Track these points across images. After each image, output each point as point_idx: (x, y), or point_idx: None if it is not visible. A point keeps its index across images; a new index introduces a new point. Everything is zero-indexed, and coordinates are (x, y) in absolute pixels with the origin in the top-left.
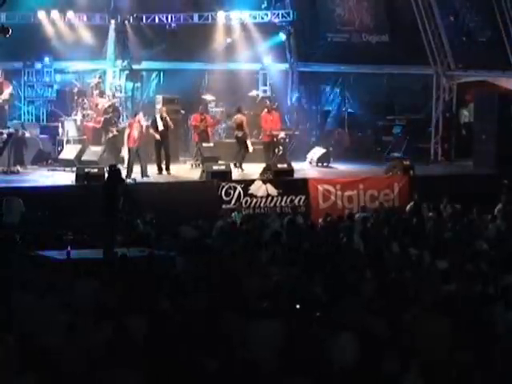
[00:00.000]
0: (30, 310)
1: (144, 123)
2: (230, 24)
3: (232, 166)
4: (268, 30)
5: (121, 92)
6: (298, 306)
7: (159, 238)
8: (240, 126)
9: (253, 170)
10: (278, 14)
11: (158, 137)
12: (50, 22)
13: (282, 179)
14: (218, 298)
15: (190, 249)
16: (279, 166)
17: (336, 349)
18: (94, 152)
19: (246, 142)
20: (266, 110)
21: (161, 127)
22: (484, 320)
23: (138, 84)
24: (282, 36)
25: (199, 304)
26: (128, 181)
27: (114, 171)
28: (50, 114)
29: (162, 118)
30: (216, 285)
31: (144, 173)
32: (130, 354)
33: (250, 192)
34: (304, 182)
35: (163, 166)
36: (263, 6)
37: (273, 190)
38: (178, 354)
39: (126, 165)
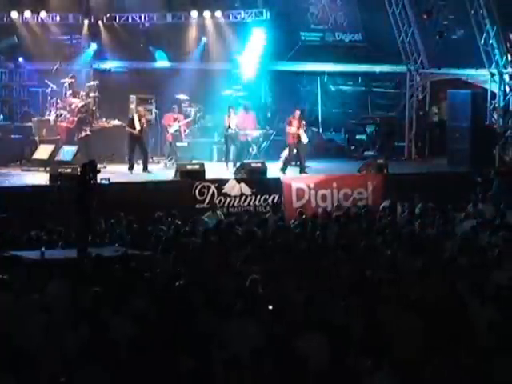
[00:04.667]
0: (5, 311)
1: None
2: (203, 23)
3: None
4: (241, 29)
5: (94, 92)
6: (270, 307)
7: (133, 238)
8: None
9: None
10: (252, 14)
11: (136, 132)
12: (23, 22)
13: (256, 178)
14: (193, 297)
15: (164, 248)
16: (253, 165)
17: (309, 348)
18: (67, 152)
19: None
20: (242, 109)
21: (138, 127)
22: (459, 318)
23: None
24: (255, 34)
25: (175, 303)
26: (102, 181)
27: (86, 165)
28: (23, 114)
29: (139, 119)
30: (191, 284)
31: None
32: (106, 354)
33: (223, 191)
34: (277, 181)
35: (137, 165)
36: (236, 6)
37: (246, 189)
38: (155, 353)
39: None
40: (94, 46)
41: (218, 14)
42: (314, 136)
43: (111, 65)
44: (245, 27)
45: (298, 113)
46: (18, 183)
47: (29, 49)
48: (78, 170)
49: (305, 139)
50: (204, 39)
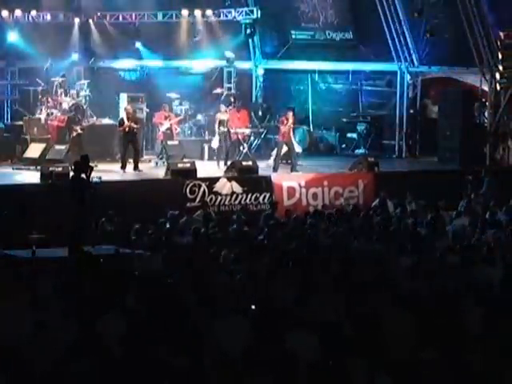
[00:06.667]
0: None
1: (291, 120)
2: (194, 22)
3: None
4: (232, 27)
5: (85, 91)
6: (253, 307)
7: (124, 237)
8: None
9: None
10: (242, 12)
11: (126, 127)
12: (14, 20)
13: (247, 177)
14: (184, 296)
15: (155, 247)
16: (244, 163)
17: (300, 347)
18: (58, 151)
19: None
20: (234, 107)
21: (127, 124)
22: (451, 317)
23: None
24: (246, 34)
25: (166, 302)
26: (93, 179)
27: (79, 162)
28: (14, 112)
29: (128, 118)
30: (182, 282)
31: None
32: (97, 353)
33: (214, 190)
34: (268, 180)
35: (128, 164)
36: (227, 4)
37: (238, 188)
38: (146, 351)
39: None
40: (85, 45)
41: (209, 12)
42: (304, 134)
43: (102, 63)
44: (235, 26)
45: (290, 113)
46: (8, 182)
47: (20, 47)
48: (70, 168)
49: (297, 148)
50: (195, 38)
